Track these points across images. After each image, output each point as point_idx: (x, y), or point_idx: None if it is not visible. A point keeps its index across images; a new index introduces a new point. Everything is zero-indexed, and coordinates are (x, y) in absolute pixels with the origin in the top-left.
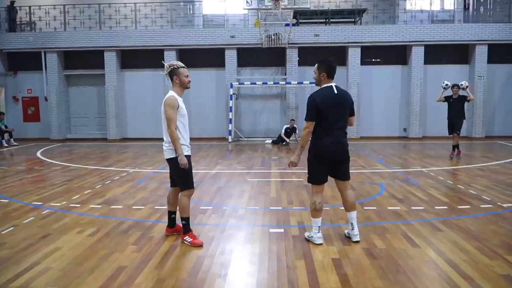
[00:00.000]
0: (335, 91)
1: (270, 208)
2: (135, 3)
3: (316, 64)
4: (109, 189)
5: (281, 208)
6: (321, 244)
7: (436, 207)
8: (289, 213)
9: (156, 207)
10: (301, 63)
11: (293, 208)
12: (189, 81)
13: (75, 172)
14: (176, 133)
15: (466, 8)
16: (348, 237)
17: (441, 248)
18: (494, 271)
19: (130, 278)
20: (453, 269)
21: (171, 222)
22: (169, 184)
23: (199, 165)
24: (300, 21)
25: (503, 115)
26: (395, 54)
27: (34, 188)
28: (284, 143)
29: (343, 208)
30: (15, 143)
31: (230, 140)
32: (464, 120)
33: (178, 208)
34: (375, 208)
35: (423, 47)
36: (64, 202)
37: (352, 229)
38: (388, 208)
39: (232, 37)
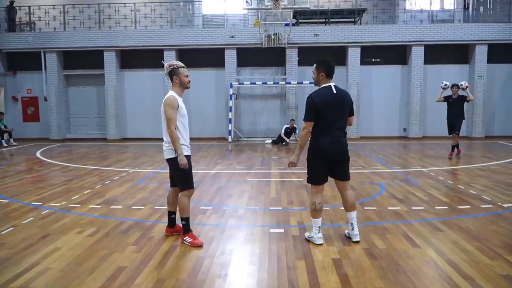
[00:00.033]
0: (334, 91)
1: (270, 208)
2: (135, 3)
3: (315, 64)
4: (109, 189)
5: (281, 208)
6: (321, 244)
7: (437, 207)
8: (289, 213)
9: (156, 207)
10: (301, 63)
11: (293, 208)
12: (189, 81)
13: (75, 172)
14: (176, 133)
15: (466, 8)
16: (348, 237)
17: (441, 248)
18: (495, 271)
19: (130, 279)
20: (453, 269)
21: (171, 222)
22: (169, 184)
23: (199, 165)
24: (300, 21)
25: (503, 115)
26: (395, 54)
27: (33, 188)
28: (284, 143)
29: (343, 208)
30: (14, 143)
31: (230, 140)
32: (463, 120)
33: (178, 208)
34: (375, 208)
35: (423, 47)
36: (64, 202)
37: (352, 229)
38: (388, 208)
39: (232, 37)
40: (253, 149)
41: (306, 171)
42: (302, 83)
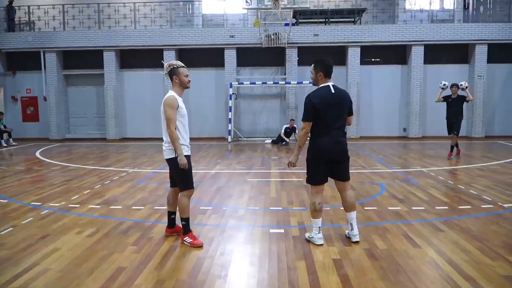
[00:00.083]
0: (333, 91)
1: (270, 208)
2: (134, 2)
3: (313, 64)
4: (109, 189)
5: (281, 208)
6: (321, 244)
7: (437, 207)
8: (289, 213)
9: (155, 208)
10: (300, 63)
11: (293, 209)
12: (189, 80)
13: (74, 172)
14: (176, 133)
15: (465, 7)
16: (348, 238)
17: (442, 249)
18: (496, 271)
19: (130, 279)
20: (454, 270)
21: (171, 223)
22: (169, 184)
23: (198, 165)
24: (300, 20)
25: (503, 115)
26: (394, 54)
27: (33, 188)
28: (283, 143)
29: (343, 208)
30: (14, 143)
31: (229, 140)
32: (462, 120)
33: (178, 208)
34: (375, 208)
35: (422, 47)
36: (63, 203)
37: (352, 229)
38: (389, 208)
39: (232, 36)
40: (253, 149)
41: (306, 171)
42: (302, 83)
